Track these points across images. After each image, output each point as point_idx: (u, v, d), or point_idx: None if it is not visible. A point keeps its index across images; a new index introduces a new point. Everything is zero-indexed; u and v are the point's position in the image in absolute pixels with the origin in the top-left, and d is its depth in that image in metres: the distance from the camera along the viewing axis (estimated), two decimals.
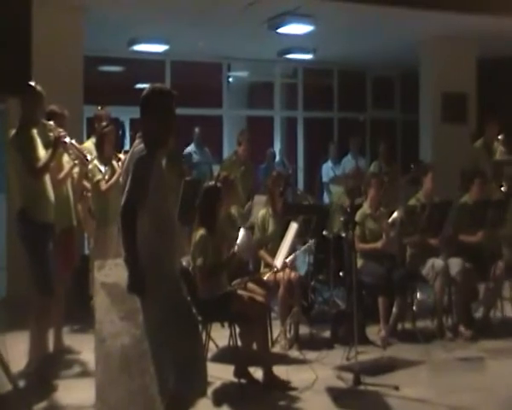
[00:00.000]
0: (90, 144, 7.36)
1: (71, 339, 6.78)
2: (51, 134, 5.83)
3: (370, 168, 11.36)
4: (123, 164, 6.65)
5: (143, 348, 4.52)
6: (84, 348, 6.34)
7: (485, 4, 9.98)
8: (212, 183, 6.46)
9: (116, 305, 4.59)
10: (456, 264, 7.21)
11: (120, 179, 6.63)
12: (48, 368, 5.85)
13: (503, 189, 8.84)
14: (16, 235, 5.91)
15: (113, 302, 4.59)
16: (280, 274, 6.75)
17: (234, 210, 7.39)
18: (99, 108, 7.90)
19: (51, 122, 5.93)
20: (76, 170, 6.49)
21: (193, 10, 9.56)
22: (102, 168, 6.53)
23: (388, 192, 10.00)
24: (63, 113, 6.51)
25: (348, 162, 11.70)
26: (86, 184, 6.96)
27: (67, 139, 5.92)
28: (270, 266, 6.86)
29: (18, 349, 5.81)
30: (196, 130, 11.61)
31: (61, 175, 6.24)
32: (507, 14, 10.24)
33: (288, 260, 6.55)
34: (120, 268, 4.69)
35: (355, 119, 15.00)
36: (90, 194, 7.06)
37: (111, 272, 4.73)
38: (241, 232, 5.98)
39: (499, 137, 9.68)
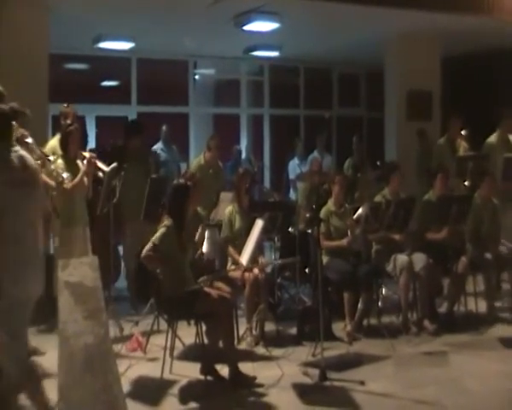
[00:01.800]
0: (54, 142, 7.29)
1: (37, 340, 6.72)
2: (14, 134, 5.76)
3: (345, 164, 11.44)
4: (87, 162, 6.67)
5: (107, 347, 4.50)
6: (49, 348, 6.30)
7: (448, 2, 10.09)
8: (181, 181, 6.46)
9: (80, 304, 4.55)
10: (420, 259, 7.28)
11: (85, 179, 6.66)
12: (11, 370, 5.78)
13: (466, 184, 8.94)
14: None
15: (77, 302, 4.55)
16: (246, 272, 6.76)
17: (200, 209, 7.38)
18: (65, 105, 7.83)
19: (13, 122, 5.86)
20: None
21: (159, 7, 9.52)
22: (65, 175, 6.48)
23: (361, 188, 10.12)
24: (25, 111, 6.44)
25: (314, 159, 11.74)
26: (50, 182, 6.90)
27: (29, 140, 5.86)
28: (237, 262, 6.87)
29: None
30: (164, 127, 11.58)
31: None
32: (470, 12, 10.37)
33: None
34: (84, 267, 4.68)
35: (321, 116, 15.06)
36: (54, 193, 7.01)
37: (75, 271, 4.69)
38: (207, 233, 6.00)
39: (462, 133, 9.80)
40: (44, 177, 6.60)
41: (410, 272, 7.21)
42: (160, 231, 5.84)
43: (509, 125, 9.64)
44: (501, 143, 9.62)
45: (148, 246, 5.81)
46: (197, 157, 9.38)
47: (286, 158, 12.60)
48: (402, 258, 7.28)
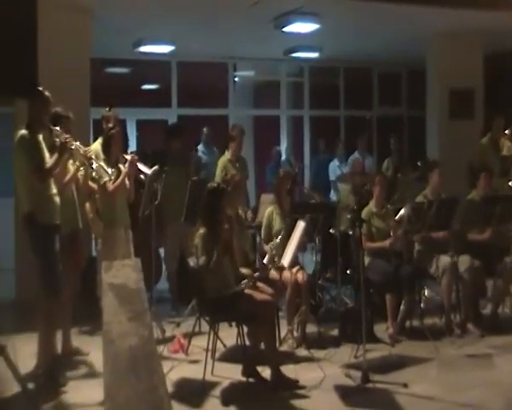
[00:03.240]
0: (97, 146, 7.37)
1: (79, 340, 6.80)
2: (57, 139, 5.85)
3: (384, 165, 11.35)
4: (129, 164, 6.72)
5: (152, 348, 4.53)
6: (93, 349, 6.37)
7: (490, 0, 9.96)
8: (215, 183, 6.46)
9: (124, 306, 4.59)
10: (464, 261, 7.20)
11: (126, 181, 6.71)
12: (56, 369, 5.88)
13: (510, 184, 8.81)
14: (25, 237, 5.93)
15: (121, 303, 4.59)
16: (287, 273, 6.75)
17: (240, 210, 7.39)
18: (107, 109, 7.91)
19: (57, 128, 5.95)
20: (81, 172, 6.51)
21: (198, 10, 9.56)
22: (109, 170, 6.55)
23: (401, 189, 10.04)
24: (68, 115, 6.53)
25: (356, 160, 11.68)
26: (93, 185, 6.97)
27: (73, 145, 5.94)
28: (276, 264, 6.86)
29: (26, 351, 5.84)
30: (205, 130, 11.61)
31: (66, 179, 6.26)
32: None
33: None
34: (128, 269, 4.71)
35: (361, 116, 14.97)
36: (97, 195, 7.08)
37: (118, 273, 4.73)
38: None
39: (506, 132, 9.65)
40: (88, 181, 6.70)
41: (453, 274, 7.12)
42: (199, 245, 5.83)
43: None
44: None
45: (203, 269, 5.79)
46: (222, 156, 9.31)
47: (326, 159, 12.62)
48: (445, 259, 7.20)
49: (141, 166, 6.97)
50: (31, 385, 5.48)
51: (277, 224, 7.22)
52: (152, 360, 4.53)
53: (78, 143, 6.10)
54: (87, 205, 7.08)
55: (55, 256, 5.78)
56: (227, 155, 8.99)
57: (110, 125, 7.21)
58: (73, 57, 8.95)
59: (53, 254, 5.77)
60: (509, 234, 7.62)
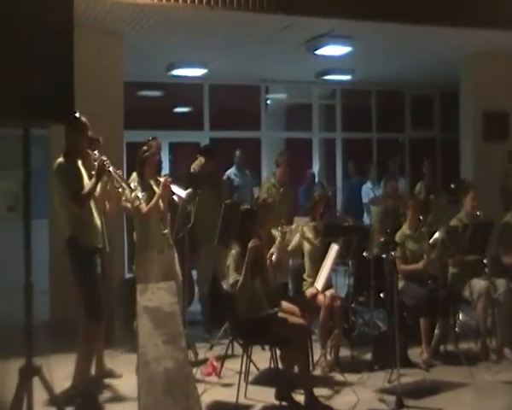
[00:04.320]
0: (135, 176, 7.40)
1: (113, 362, 6.82)
2: (95, 163, 5.91)
3: (416, 188, 11.29)
4: (162, 186, 6.76)
5: (187, 371, 4.53)
6: (126, 371, 6.39)
7: None
8: (247, 205, 6.50)
9: (159, 329, 4.61)
10: (499, 284, 7.11)
11: (160, 203, 6.75)
12: (92, 391, 5.90)
13: None
14: (65, 261, 5.97)
15: (156, 326, 4.61)
16: (321, 297, 6.73)
17: (274, 232, 7.38)
18: (150, 138, 7.98)
19: (96, 152, 6.01)
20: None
21: (230, 33, 9.64)
22: (140, 194, 6.59)
23: (434, 212, 9.97)
24: (98, 138, 6.61)
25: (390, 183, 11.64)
26: (126, 205, 7.00)
27: (111, 168, 5.99)
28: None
29: (61, 372, 5.87)
30: (237, 152, 11.64)
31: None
32: None
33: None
34: (162, 292, 4.73)
35: (394, 139, 14.93)
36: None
37: (153, 295, 4.76)
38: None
39: None
40: (125, 203, 6.75)
41: (488, 298, 7.04)
42: (232, 264, 5.84)
43: None
44: None
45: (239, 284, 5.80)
46: (267, 180, 9.39)
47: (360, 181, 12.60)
48: (480, 283, 7.12)
49: (175, 189, 7.01)
50: (66, 406, 5.50)
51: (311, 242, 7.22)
52: (187, 383, 4.53)
53: (116, 172, 6.16)
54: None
55: (97, 279, 5.83)
56: (272, 179, 9.03)
57: (144, 148, 7.25)
58: (106, 81, 9.06)
59: (95, 277, 5.82)
60: None
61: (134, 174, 7.15)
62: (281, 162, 8.94)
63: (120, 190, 6.34)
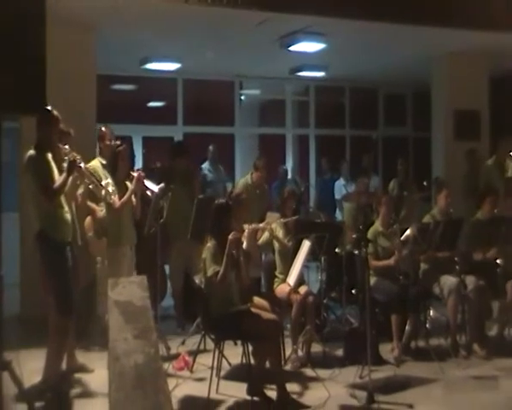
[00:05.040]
0: (96, 163, 7.36)
1: (85, 358, 6.78)
2: (66, 158, 5.86)
3: (390, 185, 11.37)
4: (135, 180, 6.73)
5: (158, 366, 4.52)
6: (98, 366, 6.36)
7: (496, 21, 10.00)
8: (222, 200, 6.48)
9: (130, 323, 4.59)
10: (469, 281, 7.18)
11: (133, 198, 6.72)
12: (63, 386, 5.87)
13: None
14: (36, 255, 5.93)
15: (127, 321, 4.59)
16: (293, 293, 6.75)
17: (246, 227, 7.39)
18: (102, 127, 7.90)
19: (66, 146, 5.97)
20: (80, 191, 6.52)
21: (204, 28, 9.61)
22: (110, 188, 6.55)
23: (407, 208, 10.05)
24: (69, 131, 6.56)
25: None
26: (92, 205, 6.99)
27: (82, 164, 5.96)
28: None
29: (31, 367, 5.82)
30: (211, 148, 11.65)
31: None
32: None
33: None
34: (133, 286, 4.71)
35: (367, 136, 15.01)
36: (98, 214, 7.08)
37: (124, 290, 4.73)
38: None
39: (511, 153, 9.67)
40: (90, 204, 6.72)
41: (458, 294, 7.11)
42: (208, 257, 5.83)
43: None
44: None
45: (212, 279, 5.79)
46: (244, 177, 9.40)
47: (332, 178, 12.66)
48: (450, 279, 7.19)
49: (148, 183, 6.98)
50: (36, 401, 5.46)
51: (281, 242, 7.23)
52: (158, 377, 4.51)
53: (87, 169, 6.13)
54: (86, 223, 7.08)
55: (67, 273, 5.80)
56: (248, 179, 9.01)
57: (117, 142, 7.22)
58: (79, 74, 8.99)
59: (65, 271, 5.79)
60: None
61: (94, 161, 7.11)
62: (260, 167, 8.94)
63: (91, 186, 6.31)
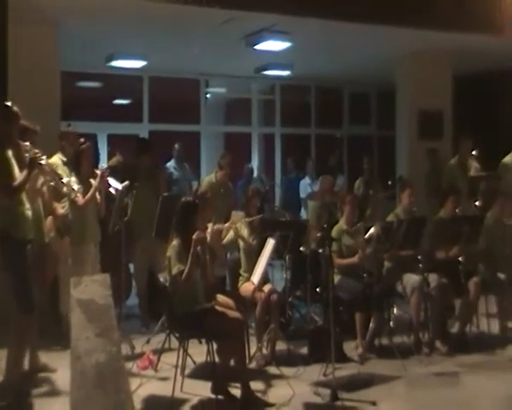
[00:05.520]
0: (56, 159, 7.28)
1: (47, 357, 6.72)
2: (27, 155, 5.80)
3: (356, 183, 11.44)
4: (99, 178, 6.69)
5: (119, 365, 4.50)
6: (61, 366, 6.30)
7: (459, 21, 10.12)
8: (188, 198, 6.47)
9: (92, 322, 4.56)
10: (432, 279, 7.25)
11: (97, 195, 6.68)
12: (24, 385, 5.81)
13: (477, 204, 8.93)
14: None
15: (89, 319, 4.56)
16: (257, 291, 6.75)
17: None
18: (67, 125, 7.82)
19: (27, 143, 5.90)
20: (44, 188, 6.46)
21: (170, 26, 9.58)
22: (75, 186, 6.50)
23: (373, 207, 10.13)
24: (35, 129, 6.49)
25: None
26: (56, 204, 6.93)
27: (43, 161, 5.89)
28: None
29: None
30: (176, 146, 11.61)
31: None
32: (481, 32, 10.40)
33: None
34: (96, 285, 4.68)
35: (332, 135, 15.09)
36: (59, 212, 7.02)
37: (87, 288, 4.70)
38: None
39: (473, 153, 9.79)
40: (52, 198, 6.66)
41: (421, 292, 7.17)
42: (173, 256, 5.80)
43: None
44: None
45: (177, 278, 5.77)
46: (208, 175, 9.39)
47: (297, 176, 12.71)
48: (413, 277, 7.25)
49: (111, 181, 6.94)
50: None
51: (245, 241, 7.24)
52: (119, 376, 4.50)
53: (45, 157, 6.07)
54: (48, 222, 7.01)
55: (27, 271, 5.73)
56: (213, 178, 8.98)
57: (81, 140, 7.16)
58: (41, 71, 8.87)
59: (26, 269, 5.72)
60: (476, 253, 7.70)
61: (54, 158, 7.04)
62: (223, 164, 8.92)
63: (53, 183, 6.25)
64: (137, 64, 11.91)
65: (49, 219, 7.10)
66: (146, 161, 8.64)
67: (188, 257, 5.74)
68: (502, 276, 7.61)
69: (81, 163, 6.81)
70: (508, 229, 7.98)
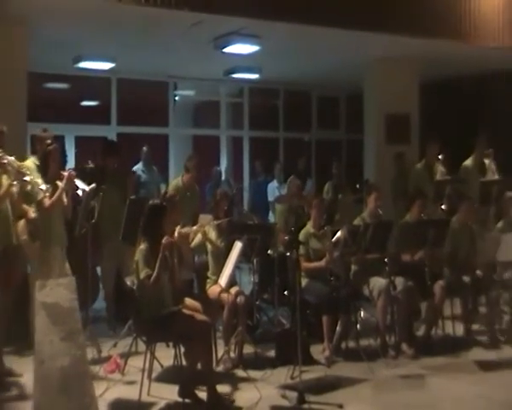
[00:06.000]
0: (30, 163, 7.21)
1: (12, 361, 6.66)
2: None
3: (325, 187, 11.48)
4: (66, 179, 6.63)
5: (84, 369, 4.47)
6: (26, 370, 6.24)
7: (426, 27, 10.23)
8: (156, 201, 6.45)
9: (56, 325, 4.52)
10: (398, 282, 7.31)
11: (64, 197, 6.62)
12: None
13: (443, 208, 9.03)
14: None
15: (54, 323, 4.53)
16: (224, 294, 6.76)
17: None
18: (43, 129, 7.75)
19: None
20: (15, 189, 6.40)
21: (139, 28, 9.54)
22: (43, 186, 6.44)
23: (342, 211, 10.19)
24: (2, 129, 6.43)
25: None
26: (26, 207, 6.85)
27: (6, 159, 5.83)
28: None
29: None
30: (144, 148, 11.57)
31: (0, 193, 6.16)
32: (447, 38, 10.52)
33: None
34: (61, 288, 4.65)
35: (300, 139, 15.14)
36: (30, 215, 6.95)
37: (51, 292, 4.66)
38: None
39: (439, 157, 9.89)
40: (21, 199, 6.58)
41: (388, 295, 7.23)
42: (141, 260, 5.78)
43: (483, 149, 9.77)
44: (476, 167, 9.74)
45: (144, 282, 5.74)
46: (175, 179, 9.36)
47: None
48: (380, 281, 7.30)
49: (78, 183, 6.87)
50: None
51: (213, 243, 7.24)
52: (84, 380, 4.47)
53: (12, 158, 6.01)
54: (19, 226, 6.93)
55: None
56: (179, 181, 8.94)
57: (48, 141, 7.09)
58: (9, 71, 8.77)
59: None
60: (442, 257, 7.78)
61: (28, 161, 6.97)
62: (190, 168, 8.89)
63: (16, 183, 6.17)
64: (106, 66, 11.84)
65: (22, 222, 7.01)
66: (113, 163, 8.59)
67: (155, 261, 5.73)
68: (466, 279, 7.69)
69: (48, 165, 6.73)
70: (472, 232, 8.08)
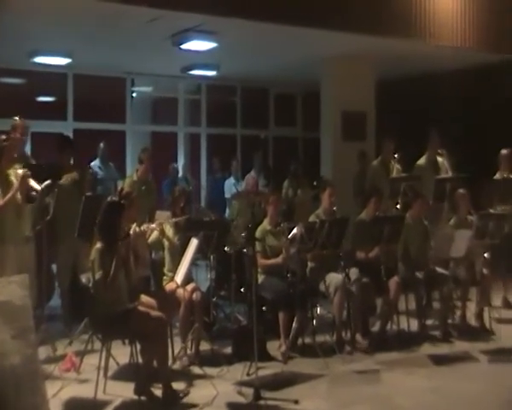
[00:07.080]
0: None
1: None
2: None
3: (285, 184, 11.51)
4: (21, 179, 6.55)
5: (35, 367, 4.41)
6: None
7: (381, 26, 10.34)
8: (114, 198, 6.41)
9: (8, 323, 4.46)
10: (352, 274, 7.39)
11: (18, 195, 6.54)
12: None
13: (398, 206, 9.13)
14: None
15: (5, 321, 4.46)
16: (181, 291, 6.75)
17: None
18: (16, 118, 7.68)
19: None
20: None
21: (95, 24, 9.48)
22: None
23: (300, 208, 10.24)
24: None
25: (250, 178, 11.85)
26: None
27: None
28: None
29: None
30: (101, 145, 11.48)
31: None
32: (402, 36, 10.65)
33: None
34: (13, 286, 4.58)
35: (258, 135, 15.18)
36: None
37: (3, 289, 4.60)
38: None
39: (395, 155, 10.00)
40: None
41: (344, 292, 7.29)
42: (96, 260, 5.73)
43: (435, 147, 9.90)
44: (429, 164, 9.87)
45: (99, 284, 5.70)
46: (130, 174, 9.30)
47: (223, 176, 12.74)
48: (336, 277, 7.36)
49: (32, 183, 6.76)
50: None
51: (170, 240, 7.22)
52: (35, 379, 4.41)
53: None
54: None
55: None
56: (134, 176, 8.88)
57: (18, 134, 7.00)
58: None
59: None
60: (396, 253, 7.88)
61: None
62: (144, 159, 8.83)
63: None
64: (62, 61, 11.73)
65: None
66: (68, 159, 8.51)
67: (111, 260, 5.69)
68: (420, 275, 7.79)
69: (1, 161, 6.64)
70: (426, 229, 8.19)
